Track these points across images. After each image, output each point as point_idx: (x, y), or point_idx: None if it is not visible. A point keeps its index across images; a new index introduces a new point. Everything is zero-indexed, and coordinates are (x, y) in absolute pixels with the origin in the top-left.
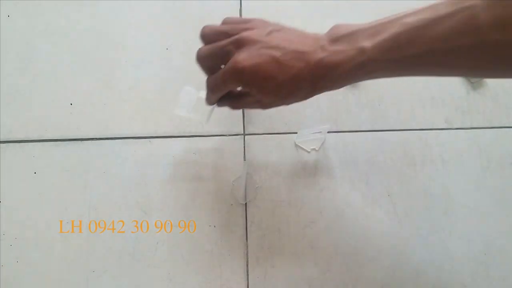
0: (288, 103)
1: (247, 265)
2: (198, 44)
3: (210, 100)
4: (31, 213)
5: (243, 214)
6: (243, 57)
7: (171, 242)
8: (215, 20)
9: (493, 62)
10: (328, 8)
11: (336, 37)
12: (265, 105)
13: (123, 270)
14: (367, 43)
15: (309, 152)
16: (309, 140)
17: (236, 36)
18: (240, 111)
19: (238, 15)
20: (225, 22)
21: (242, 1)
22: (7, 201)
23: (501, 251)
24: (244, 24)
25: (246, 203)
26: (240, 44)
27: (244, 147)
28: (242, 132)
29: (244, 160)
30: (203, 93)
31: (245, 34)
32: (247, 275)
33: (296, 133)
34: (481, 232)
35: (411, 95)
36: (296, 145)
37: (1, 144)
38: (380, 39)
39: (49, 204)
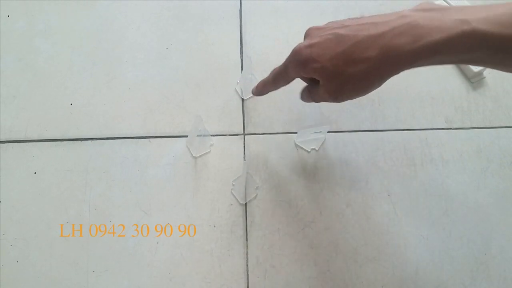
0: (354, 86)
1: (247, 265)
2: (198, 44)
3: (264, 89)
4: (31, 213)
5: (243, 214)
6: (302, 43)
7: (171, 242)
8: (215, 20)
9: None
10: (328, 8)
11: (426, 8)
12: (333, 93)
13: (123, 270)
14: (469, 16)
15: (309, 152)
16: (309, 140)
17: (315, 27)
18: (240, 111)
19: (238, 15)
20: None
21: (242, 1)
22: (7, 201)
23: (501, 251)
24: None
25: (246, 203)
26: (305, 36)
27: (244, 147)
28: (242, 132)
29: (244, 160)
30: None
31: (311, 27)
32: (247, 275)
33: (296, 133)
34: (481, 232)
35: (411, 95)
36: (296, 145)
37: (1, 144)
38: (487, 14)
39: (49, 204)
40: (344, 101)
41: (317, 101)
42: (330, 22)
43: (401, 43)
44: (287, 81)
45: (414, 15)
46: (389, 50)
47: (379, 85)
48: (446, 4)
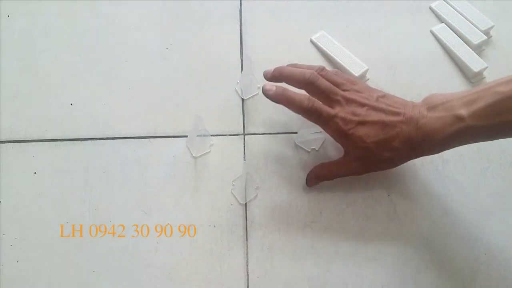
0: (383, 165)
1: (247, 265)
2: (198, 44)
3: (279, 95)
4: (31, 213)
5: (243, 214)
6: (350, 111)
7: (171, 242)
8: (215, 20)
9: None
10: (328, 9)
11: (432, 106)
12: (367, 168)
13: (123, 269)
14: (463, 111)
15: (309, 152)
16: (309, 140)
17: (348, 94)
18: (240, 111)
19: (238, 15)
20: (337, 74)
21: (242, 1)
22: (7, 201)
23: (502, 251)
24: (353, 84)
25: (246, 203)
26: (350, 101)
27: (244, 147)
28: (242, 132)
29: (244, 160)
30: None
31: (356, 95)
32: (247, 275)
33: (296, 133)
34: (481, 232)
35: (411, 95)
36: (296, 145)
37: (1, 144)
38: (476, 107)
39: (49, 204)
40: (367, 172)
41: (340, 173)
42: (360, 83)
43: (419, 140)
44: (297, 108)
45: (427, 115)
46: (412, 147)
47: (400, 165)
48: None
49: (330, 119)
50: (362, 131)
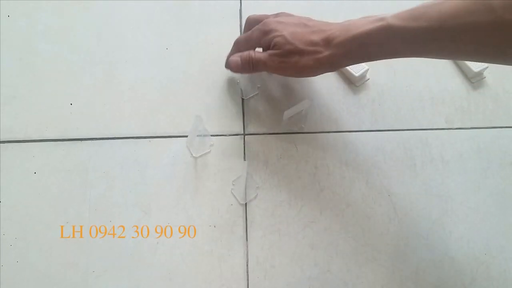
0: (300, 62)
1: (247, 265)
2: (198, 44)
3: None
4: (31, 213)
5: (243, 214)
6: (273, 18)
7: (171, 242)
8: (215, 20)
9: (503, 41)
10: (329, 8)
11: (364, 17)
12: (281, 56)
13: (123, 270)
14: (387, 15)
15: (298, 130)
16: (295, 119)
17: (278, 19)
18: (240, 111)
19: (238, 15)
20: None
21: (242, 1)
22: (7, 201)
23: (502, 251)
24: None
25: (246, 203)
26: (276, 15)
27: (244, 147)
28: (242, 132)
29: (244, 160)
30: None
31: (285, 18)
32: (247, 275)
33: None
34: (481, 232)
35: (411, 95)
36: (285, 128)
37: (1, 144)
38: (402, 11)
39: (49, 204)
40: (285, 72)
41: (260, 59)
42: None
43: (336, 35)
44: (247, 47)
45: (350, 20)
46: (328, 40)
47: (316, 68)
48: None
49: (258, 26)
50: (281, 26)
